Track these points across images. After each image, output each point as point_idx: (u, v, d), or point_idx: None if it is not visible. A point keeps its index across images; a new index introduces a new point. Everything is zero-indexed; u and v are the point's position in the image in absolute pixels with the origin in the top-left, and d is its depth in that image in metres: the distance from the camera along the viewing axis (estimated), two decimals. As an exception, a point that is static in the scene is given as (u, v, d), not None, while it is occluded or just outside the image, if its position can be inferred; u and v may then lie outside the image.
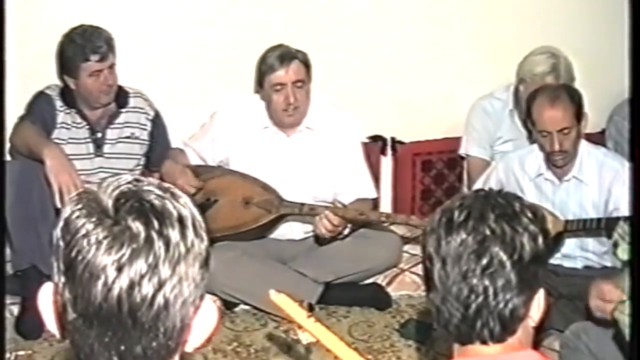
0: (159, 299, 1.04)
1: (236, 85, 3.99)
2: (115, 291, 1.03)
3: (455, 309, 1.48)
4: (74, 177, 3.28)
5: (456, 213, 1.48)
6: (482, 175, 3.73)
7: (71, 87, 3.60)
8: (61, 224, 1.07)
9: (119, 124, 3.72)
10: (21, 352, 3.28)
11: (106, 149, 3.71)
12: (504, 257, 1.45)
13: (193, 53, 4.12)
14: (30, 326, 3.39)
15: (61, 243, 1.06)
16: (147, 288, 1.03)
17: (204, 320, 1.12)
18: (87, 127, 3.67)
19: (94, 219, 1.05)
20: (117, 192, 1.08)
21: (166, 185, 1.12)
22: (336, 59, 4.11)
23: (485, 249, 1.45)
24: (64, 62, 3.58)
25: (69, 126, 3.64)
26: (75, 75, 3.55)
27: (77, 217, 1.06)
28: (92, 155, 3.68)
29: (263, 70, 3.52)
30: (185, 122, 3.92)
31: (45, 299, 1.12)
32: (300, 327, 3.07)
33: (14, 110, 3.53)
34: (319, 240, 3.58)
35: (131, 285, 1.03)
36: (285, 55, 3.50)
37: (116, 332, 1.05)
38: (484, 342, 1.49)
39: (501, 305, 1.45)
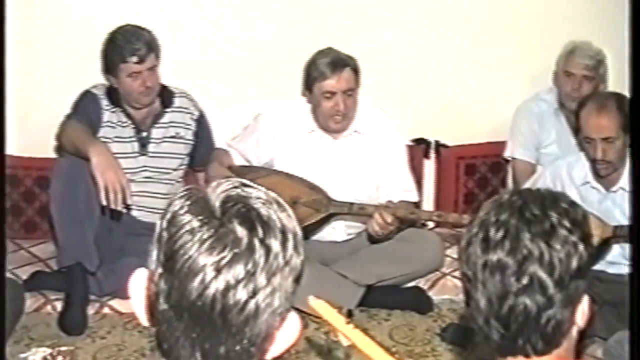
0: (251, 306, 1.06)
1: (280, 87, 4.00)
2: (211, 291, 1.05)
3: (495, 327, 1.45)
4: (119, 175, 3.31)
5: (492, 230, 1.44)
6: (528, 178, 3.74)
7: (114, 86, 3.64)
8: (168, 216, 1.09)
9: (164, 123, 3.75)
10: (64, 348, 3.30)
11: (151, 148, 3.74)
12: (544, 277, 1.41)
13: (238, 54, 4.15)
14: (73, 322, 3.43)
15: (165, 234, 1.09)
16: (242, 293, 1.06)
17: (287, 333, 1.14)
18: (133, 126, 3.71)
19: (200, 217, 1.07)
20: (225, 194, 1.10)
21: (273, 195, 1.14)
22: (382, 62, 4.11)
23: (524, 270, 1.41)
24: (106, 62, 3.62)
25: (114, 125, 3.68)
26: (116, 75, 3.60)
27: (185, 212, 1.08)
28: (137, 154, 3.71)
29: (314, 76, 3.49)
30: (229, 123, 3.92)
31: (137, 284, 1.15)
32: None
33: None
34: (371, 238, 3.56)
35: (227, 288, 1.05)
36: (337, 62, 3.47)
37: (204, 330, 1.07)
38: (527, 356, 1.47)
39: (543, 322, 1.42)
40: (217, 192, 1.11)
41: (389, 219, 3.38)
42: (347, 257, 3.64)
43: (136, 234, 3.66)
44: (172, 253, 1.06)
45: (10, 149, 4.03)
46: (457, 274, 3.79)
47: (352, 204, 3.48)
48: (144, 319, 1.15)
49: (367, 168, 3.64)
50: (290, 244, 1.10)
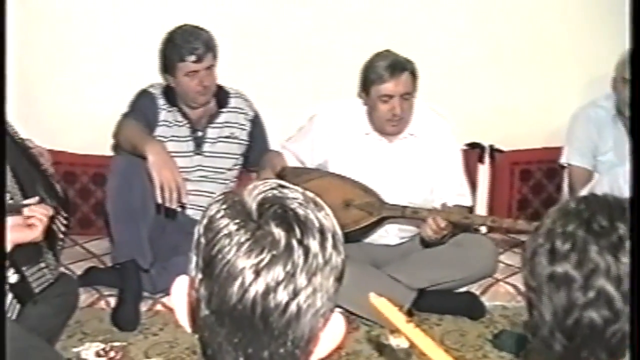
0: (292, 307, 1.05)
1: (336, 88, 4.00)
2: (251, 294, 1.04)
3: (559, 339, 1.43)
4: (175, 173, 3.33)
5: (559, 242, 1.41)
6: (585, 185, 3.69)
7: (171, 85, 3.67)
8: (205, 221, 1.09)
9: (219, 123, 3.77)
10: (116, 343, 3.34)
11: (206, 147, 3.76)
12: (611, 290, 1.37)
13: (294, 55, 4.16)
14: (126, 318, 3.47)
15: (203, 240, 1.08)
16: (282, 295, 1.04)
17: (331, 333, 1.13)
18: (188, 125, 3.73)
19: (237, 221, 1.06)
20: (261, 196, 1.09)
21: (310, 194, 1.13)
22: (438, 66, 4.08)
23: (590, 284, 1.37)
24: (164, 61, 3.65)
25: (170, 124, 3.71)
26: (173, 74, 3.62)
27: (222, 216, 1.07)
28: (192, 153, 3.74)
29: (371, 78, 3.47)
30: (284, 125, 3.93)
31: (179, 291, 1.15)
32: (394, 331, 3.06)
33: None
34: (424, 242, 3.54)
35: (267, 291, 1.04)
36: (395, 65, 3.44)
37: (246, 334, 1.06)
38: None
39: (609, 335, 1.38)
40: (253, 194, 1.10)
41: (443, 223, 3.35)
42: (399, 260, 3.62)
43: (190, 232, 3.61)
44: (211, 258, 1.06)
45: (67, 145, 4.12)
46: (510, 280, 3.77)
47: (405, 207, 3.46)
48: (187, 326, 1.15)
49: (422, 171, 3.61)
50: (329, 243, 1.09)
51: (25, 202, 2.48)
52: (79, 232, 4.16)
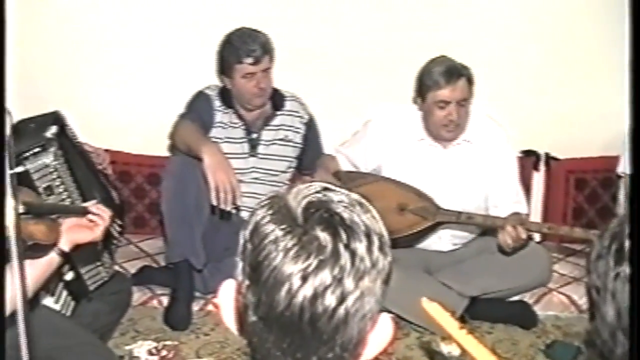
0: (340, 312, 1.05)
1: (391, 93, 3.99)
2: (299, 300, 1.03)
3: (621, 341, 1.41)
4: (230, 175, 3.35)
5: (628, 242, 1.41)
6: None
7: (228, 87, 3.69)
8: (251, 227, 1.09)
9: (274, 126, 3.79)
10: (168, 342, 3.37)
11: (260, 149, 3.77)
12: None
13: (349, 59, 4.16)
14: (178, 317, 3.50)
15: (249, 246, 1.08)
16: (330, 299, 1.04)
17: (380, 335, 1.12)
18: (243, 127, 3.75)
19: (283, 226, 1.06)
20: (306, 200, 1.09)
21: (355, 196, 1.12)
22: (494, 72, 4.05)
23: None
24: (222, 63, 3.67)
25: (225, 126, 3.73)
26: (230, 76, 3.64)
27: (268, 222, 1.07)
28: (247, 155, 3.75)
29: (427, 84, 3.45)
30: (339, 129, 3.94)
31: (226, 295, 1.15)
32: (445, 338, 3.04)
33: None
34: (501, 250, 3.48)
35: (314, 296, 1.03)
36: (452, 71, 3.42)
37: (294, 340, 1.06)
38: None
39: None
40: (298, 198, 1.10)
41: (524, 234, 3.32)
42: (451, 267, 3.60)
43: (243, 234, 3.70)
44: (257, 264, 1.05)
45: (123, 145, 4.17)
46: (564, 290, 3.72)
47: (460, 212, 3.44)
48: (235, 330, 1.15)
49: (476, 178, 3.59)
50: (375, 246, 1.08)
51: (85, 204, 2.51)
52: (133, 231, 4.21)
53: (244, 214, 3.72)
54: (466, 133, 3.57)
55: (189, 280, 3.54)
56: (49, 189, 2.81)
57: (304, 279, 1.03)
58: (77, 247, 2.41)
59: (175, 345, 3.35)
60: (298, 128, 3.83)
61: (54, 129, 2.87)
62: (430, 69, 3.46)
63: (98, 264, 3.07)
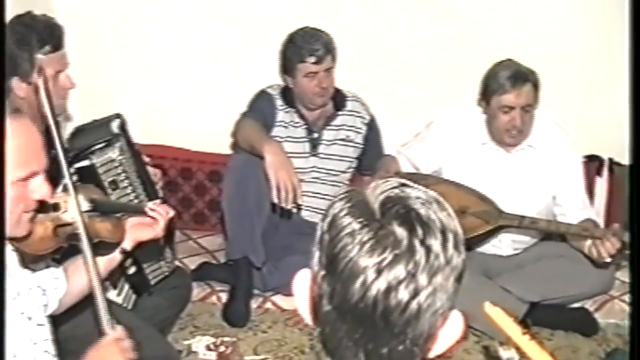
0: (413, 306, 1.06)
1: (453, 96, 3.97)
2: (373, 293, 1.05)
3: None
4: (291, 174, 3.35)
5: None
6: None
7: (290, 86, 3.71)
8: (329, 219, 1.10)
9: (335, 125, 3.79)
10: (226, 339, 3.40)
11: (321, 149, 3.78)
12: None
13: (413, 60, 4.14)
14: (236, 314, 3.53)
15: (326, 237, 1.09)
16: (403, 294, 1.05)
17: (450, 332, 1.13)
18: (305, 126, 3.76)
19: (360, 220, 1.07)
20: (384, 195, 1.10)
21: (433, 193, 1.13)
22: (559, 77, 3.99)
23: None
24: (284, 62, 3.69)
25: (287, 125, 3.74)
26: (292, 75, 3.66)
27: (345, 214, 1.08)
28: (308, 155, 3.77)
29: (492, 88, 3.41)
30: (400, 130, 3.93)
31: (301, 285, 1.17)
32: (504, 343, 3.01)
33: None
34: (594, 263, 3.40)
35: (388, 289, 1.05)
36: (518, 76, 3.37)
37: (367, 331, 1.08)
38: None
39: None
40: (376, 193, 1.11)
41: (617, 245, 3.23)
42: (512, 272, 3.56)
43: (302, 233, 3.71)
44: (334, 255, 1.07)
45: (184, 142, 4.22)
46: (626, 298, 3.66)
47: (523, 217, 3.39)
48: (309, 319, 1.17)
49: (539, 183, 3.54)
50: (450, 244, 1.09)
51: (148, 204, 2.54)
52: (193, 228, 4.25)
53: (304, 214, 3.74)
54: (530, 138, 3.52)
55: (248, 277, 3.57)
56: (114, 184, 2.85)
57: (379, 272, 1.04)
58: (139, 244, 2.44)
59: (233, 342, 3.38)
60: (359, 128, 3.83)
61: (119, 125, 2.91)
62: (496, 72, 3.42)
63: (160, 258, 3.11)
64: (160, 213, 2.42)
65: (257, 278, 3.60)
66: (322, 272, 1.09)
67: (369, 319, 1.06)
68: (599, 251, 3.26)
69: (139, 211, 2.44)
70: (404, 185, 1.13)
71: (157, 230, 2.42)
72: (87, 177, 2.72)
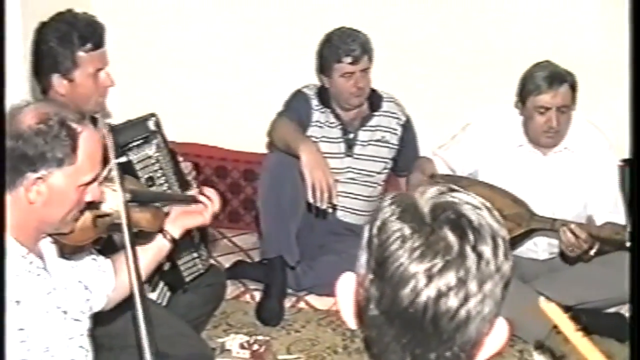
0: (462, 313, 1.05)
1: (490, 97, 3.95)
2: (423, 298, 1.04)
3: None
4: (327, 174, 3.35)
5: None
6: None
7: (326, 86, 3.71)
8: (378, 222, 1.10)
9: (371, 126, 3.79)
10: (260, 337, 3.40)
11: (356, 150, 3.78)
12: None
13: (447, 62, 4.12)
14: (270, 313, 3.54)
15: (376, 240, 1.09)
16: (453, 301, 1.05)
17: (495, 338, 1.13)
18: (340, 127, 3.76)
19: (411, 225, 1.07)
20: (434, 201, 1.10)
21: (482, 200, 1.13)
22: (598, 78, 3.96)
23: None
24: (321, 61, 3.69)
25: (322, 125, 3.75)
26: (329, 75, 3.66)
27: (396, 219, 1.08)
28: (343, 155, 3.77)
29: (529, 88, 3.39)
30: (435, 132, 3.91)
31: (345, 288, 1.16)
32: (538, 348, 2.98)
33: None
34: (565, 257, 3.44)
35: (439, 296, 1.04)
36: (554, 77, 3.35)
37: (415, 336, 1.07)
38: None
39: None
40: (425, 198, 1.10)
41: (582, 235, 3.24)
42: (547, 276, 3.53)
43: (336, 233, 3.73)
44: (383, 260, 1.06)
45: (220, 141, 4.24)
46: (663, 303, 3.62)
47: (555, 220, 3.37)
48: (351, 323, 1.16)
49: (575, 186, 3.51)
50: (501, 250, 1.07)
51: (189, 193, 2.55)
52: (228, 226, 4.26)
53: (339, 214, 3.74)
54: (567, 140, 3.50)
55: (282, 276, 3.57)
56: (151, 180, 2.87)
57: (429, 278, 1.04)
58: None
59: (266, 341, 3.38)
60: (395, 129, 3.83)
61: (155, 123, 2.93)
62: (533, 73, 3.41)
63: (195, 256, 3.12)
64: (210, 198, 2.43)
65: (291, 277, 3.61)
66: (370, 276, 1.09)
67: (418, 324, 1.06)
68: (560, 240, 3.29)
69: (187, 200, 2.44)
70: (453, 190, 1.12)
71: (206, 217, 2.43)
72: (125, 174, 2.74)
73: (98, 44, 2.75)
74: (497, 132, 3.57)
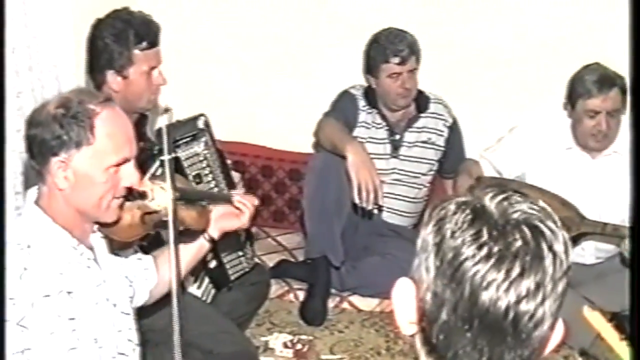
0: (539, 313, 1.08)
1: (537, 99, 3.92)
2: (503, 302, 1.06)
3: None
4: (373, 174, 3.34)
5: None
6: None
7: (373, 86, 3.70)
8: (449, 227, 1.10)
9: (417, 127, 3.78)
10: (303, 337, 3.41)
11: (402, 151, 3.77)
12: None
13: (494, 65, 4.09)
14: (313, 313, 3.54)
15: (447, 246, 1.10)
16: (532, 302, 1.07)
17: (556, 336, 1.15)
18: (387, 128, 3.76)
19: (486, 229, 1.08)
20: (503, 204, 1.11)
21: (541, 204, 1.14)
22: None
23: None
24: (368, 62, 3.69)
25: (369, 126, 3.74)
26: (376, 75, 3.66)
27: (469, 226, 1.09)
28: (388, 156, 3.76)
29: (579, 92, 3.35)
30: (482, 134, 3.89)
31: (404, 294, 1.17)
32: (583, 354, 2.95)
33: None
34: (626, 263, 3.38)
35: (518, 299, 1.06)
36: (605, 80, 3.31)
37: (494, 338, 1.09)
38: None
39: None
40: (494, 201, 1.12)
41: None
42: (594, 281, 3.48)
43: (381, 234, 3.72)
44: (459, 265, 1.07)
45: (266, 141, 4.25)
46: None
47: (605, 224, 3.33)
48: (407, 329, 1.17)
49: (625, 190, 3.46)
50: (569, 250, 1.11)
51: (233, 192, 2.56)
52: (272, 225, 4.28)
53: (384, 215, 3.74)
54: (616, 143, 3.45)
55: (326, 276, 3.57)
56: (198, 177, 2.89)
57: (509, 282, 1.06)
58: (223, 236, 2.47)
59: (309, 340, 3.39)
60: (441, 131, 3.81)
61: (204, 122, 2.95)
62: (583, 76, 3.37)
63: (240, 254, 3.14)
64: (246, 205, 2.44)
65: (335, 277, 3.61)
66: (444, 281, 1.09)
67: (498, 327, 1.08)
68: None
69: (226, 200, 2.46)
70: (517, 193, 1.14)
71: (243, 221, 2.45)
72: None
73: (153, 42, 2.78)
74: (545, 135, 3.54)
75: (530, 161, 3.55)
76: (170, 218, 2.08)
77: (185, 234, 2.31)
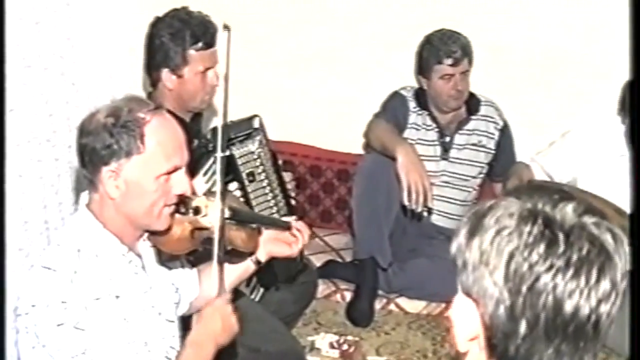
0: (614, 311, 1.12)
1: (590, 104, 3.88)
2: (586, 308, 1.10)
3: None
4: (423, 176, 3.34)
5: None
6: None
7: (424, 87, 3.69)
8: (521, 242, 1.11)
9: (467, 130, 3.76)
10: (349, 337, 3.41)
11: (452, 153, 3.76)
12: None
13: (547, 68, 4.05)
14: (360, 314, 3.53)
15: (517, 264, 1.11)
16: (609, 304, 1.11)
17: None
18: (437, 130, 3.74)
19: (557, 240, 1.10)
20: (566, 211, 1.13)
21: (598, 209, 1.17)
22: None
23: None
24: (420, 63, 3.69)
25: (419, 127, 3.73)
26: (428, 77, 3.65)
27: (540, 237, 1.11)
28: (438, 158, 3.74)
29: None
30: (533, 138, 3.86)
31: (462, 313, 1.18)
32: None
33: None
34: None
35: (599, 302, 1.10)
36: None
37: (577, 344, 1.12)
38: None
39: None
40: (558, 209, 1.13)
41: None
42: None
43: (429, 236, 3.71)
44: (536, 278, 1.09)
45: (315, 141, 4.25)
46: None
47: None
48: (464, 346, 1.19)
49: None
50: (628, 253, 1.13)
51: (287, 219, 2.52)
52: (320, 225, 4.27)
53: (433, 218, 3.72)
54: None
55: (373, 277, 3.56)
56: (252, 175, 2.91)
57: (589, 288, 1.09)
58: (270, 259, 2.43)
59: (356, 341, 3.38)
60: (492, 134, 3.79)
61: (259, 122, 2.97)
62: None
63: (289, 254, 3.14)
64: (302, 233, 2.41)
65: (382, 279, 3.60)
66: (518, 295, 1.10)
67: (580, 333, 1.11)
68: None
69: (281, 226, 2.43)
70: (572, 198, 1.17)
71: (293, 250, 2.41)
72: (226, 168, 2.78)
73: (209, 43, 2.80)
74: (599, 141, 3.50)
75: (582, 167, 3.51)
76: (216, 237, 2.06)
77: (233, 254, 2.28)
